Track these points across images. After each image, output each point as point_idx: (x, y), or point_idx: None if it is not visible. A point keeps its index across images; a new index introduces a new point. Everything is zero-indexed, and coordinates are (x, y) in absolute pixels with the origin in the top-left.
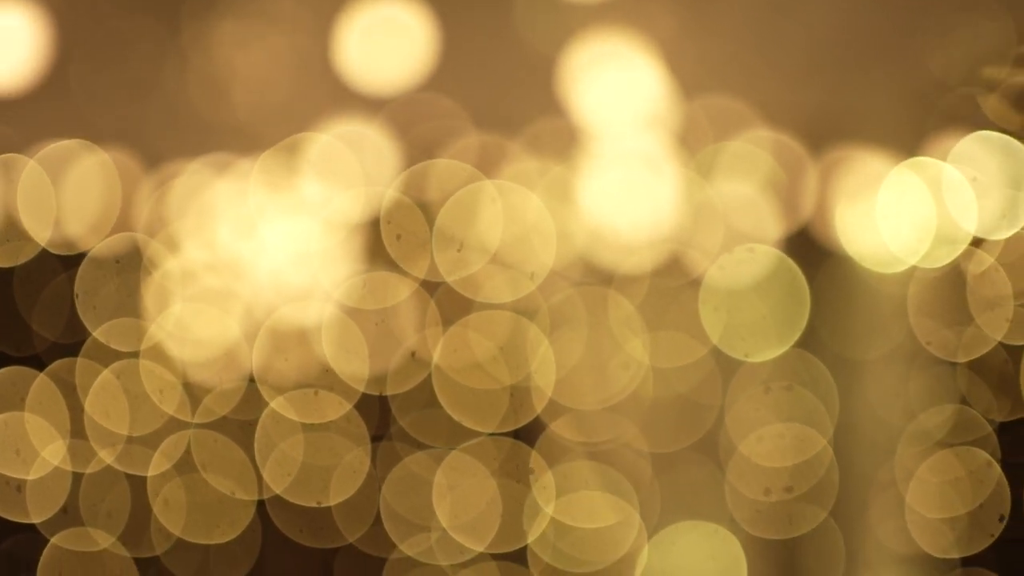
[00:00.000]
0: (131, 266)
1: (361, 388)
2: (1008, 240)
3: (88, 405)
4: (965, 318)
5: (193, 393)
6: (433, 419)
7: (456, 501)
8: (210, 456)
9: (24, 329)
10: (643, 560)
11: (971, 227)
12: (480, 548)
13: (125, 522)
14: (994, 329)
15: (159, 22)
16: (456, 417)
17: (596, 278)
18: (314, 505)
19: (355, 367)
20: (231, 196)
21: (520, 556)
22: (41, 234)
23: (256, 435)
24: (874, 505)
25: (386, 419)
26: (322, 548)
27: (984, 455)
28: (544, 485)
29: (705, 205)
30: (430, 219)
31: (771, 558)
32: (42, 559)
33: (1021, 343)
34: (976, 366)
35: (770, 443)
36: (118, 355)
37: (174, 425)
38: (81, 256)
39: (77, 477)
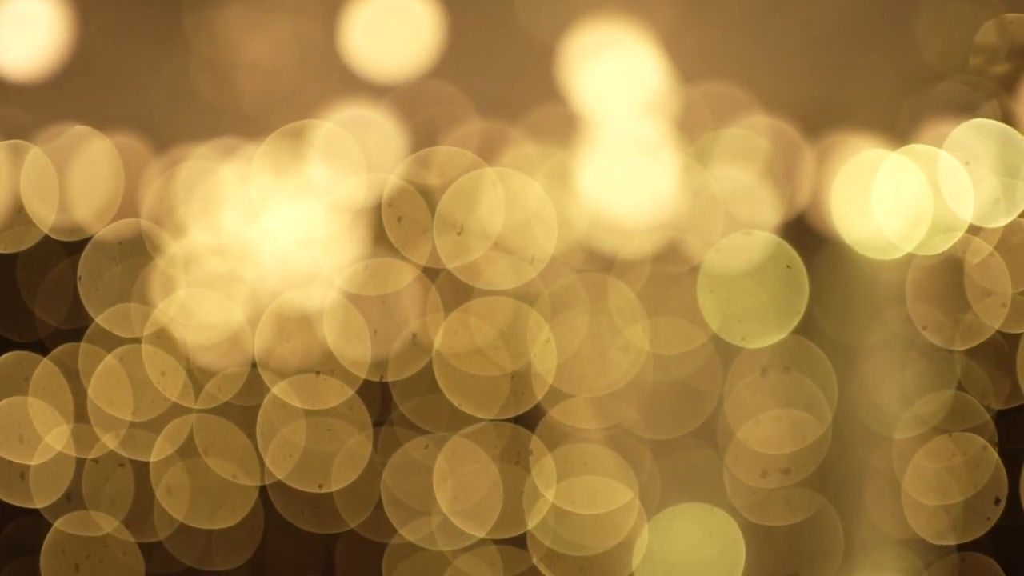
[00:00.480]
0: (135, 251)
1: (363, 375)
2: (1007, 228)
3: (91, 390)
4: (963, 306)
5: (196, 378)
6: (434, 405)
7: (457, 487)
8: (212, 441)
9: (27, 315)
10: (642, 543)
11: (967, 214)
12: (481, 534)
13: (128, 507)
14: (991, 317)
15: (167, 7)
16: (457, 403)
17: (597, 264)
18: (316, 489)
19: (357, 353)
20: (236, 181)
21: (520, 541)
22: (45, 220)
23: (258, 420)
24: (871, 491)
25: (387, 405)
26: (323, 533)
27: (980, 441)
28: (544, 470)
29: (704, 191)
30: (432, 205)
31: (770, 543)
32: (45, 543)
33: (1018, 331)
34: (973, 354)
35: (768, 427)
36: (121, 340)
37: (177, 410)
38: (85, 242)
39: (80, 462)
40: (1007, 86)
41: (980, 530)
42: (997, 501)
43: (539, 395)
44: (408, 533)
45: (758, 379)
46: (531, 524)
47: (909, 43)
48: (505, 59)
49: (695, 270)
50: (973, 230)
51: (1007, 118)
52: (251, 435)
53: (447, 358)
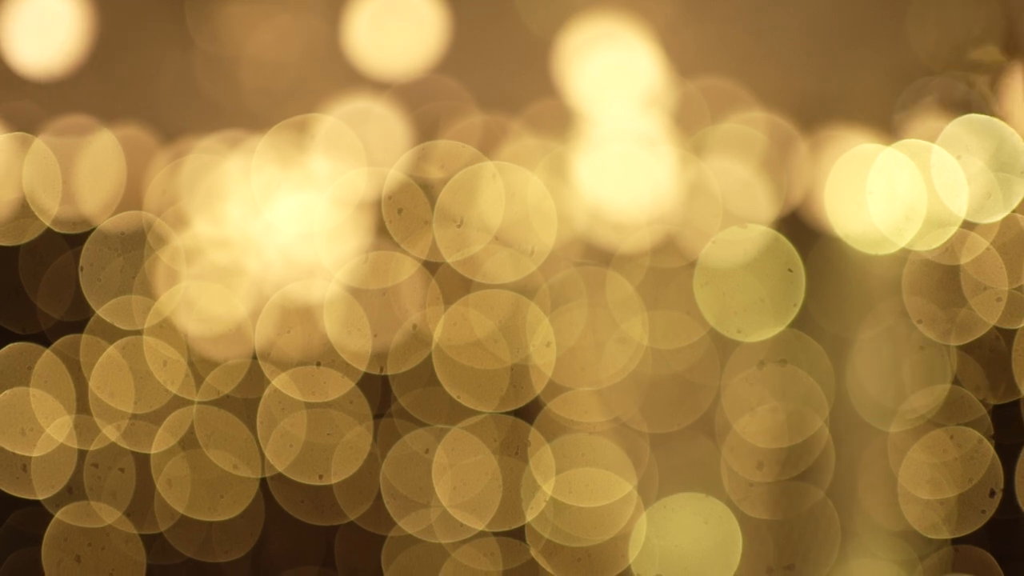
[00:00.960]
0: (137, 243)
1: (363, 368)
2: (1002, 223)
3: (92, 382)
4: (958, 300)
5: (197, 370)
6: (434, 398)
7: (456, 479)
8: (213, 433)
9: (29, 308)
10: (640, 534)
11: (961, 209)
12: (480, 526)
13: (130, 498)
14: (987, 312)
15: (173, 1)
16: (456, 396)
17: (595, 258)
18: (316, 479)
19: (357, 345)
20: (239, 174)
21: (519, 533)
22: (48, 212)
23: (258, 413)
24: (867, 484)
25: (387, 397)
26: (323, 526)
27: (976, 434)
28: (542, 462)
29: (701, 185)
30: (432, 198)
31: (766, 535)
32: (47, 534)
33: (1014, 327)
34: (969, 349)
35: (764, 418)
36: (122, 332)
37: (178, 402)
38: (87, 234)
39: (82, 454)
40: (1000, 81)
41: (975, 523)
42: (992, 493)
43: (538, 388)
44: (407, 525)
45: (755, 372)
46: (530, 517)
47: (903, 39)
48: (505, 54)
49: (693, 264)
50: (968, 225)
51: (1000, 113)
52: (252, 427)
53: (447, 351)
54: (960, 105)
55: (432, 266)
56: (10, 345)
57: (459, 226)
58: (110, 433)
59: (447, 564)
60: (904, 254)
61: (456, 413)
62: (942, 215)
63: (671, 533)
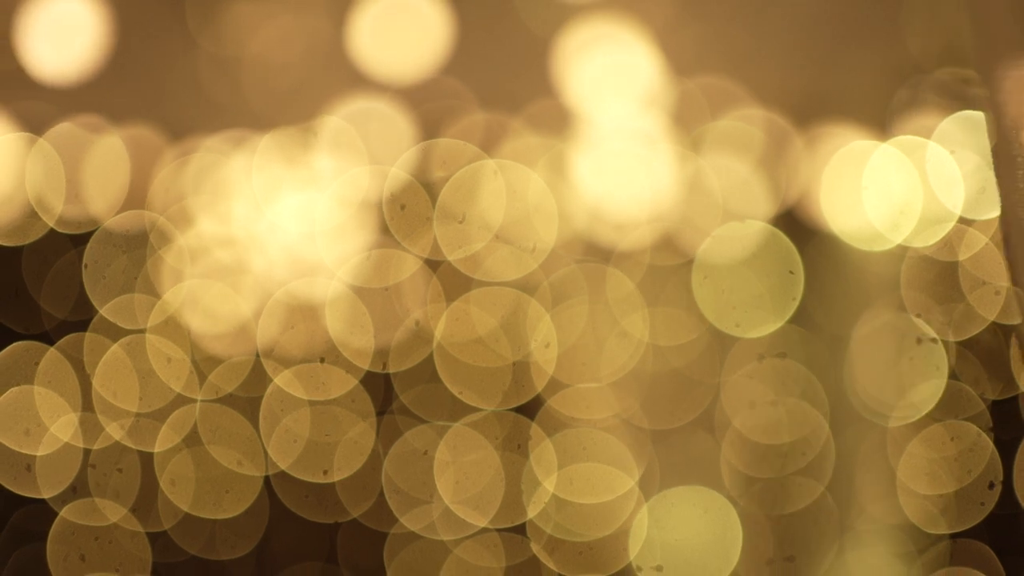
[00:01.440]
0: (140, 241)
1: (366, 365)
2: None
3: (96, 381)
4: (956, 296)
5: (201, 368)
6: (436, 394)
7: (458, 476)
8: (217, 430)
9: (32, 307)
10: (641, 529)
11: (955, 205)
12: (482, 522)
13: (135, 496)
14: (985, 307)
15: (179, 2)
16: (458, 393)
17: (596, 255)
18: (320, 474)
19: (360, 343)
20: (243, 173)
21: (521, 529)
22: (51, 212)
23: (262, 410)
24: (866, 478)
25: (389, 394)
26: (326, 523)
27: (975, 429)
28: (543, 458)
29: (699, 182)
30: (433, 196)
31: (766, 528)
32: (52, 532)
33: (1012, 322)
34: (968, 344)
35: (764, 412)
36: (126, 331)
37: (181, 400)
38: (91, 234)
39: (86, 453)
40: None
41: (974, 517)
42: (991, 486)
43: (539, 385)
44: (410, 522)
45: (754, 368)
46: (532, 513)
47: (898, 36)
48: (505, 54)
49: (692, 261)
50: (964, 221)
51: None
52: (255, 424)
53: (448, 348)
54: (955, 101)
55: (434, 264)
56: (14, 344)
57: (461, 222)
58: (114, 431)
59: (449, 560)
60: (901, 250)
61: (458, 410)
62: (937, 211)
63: (672, 525)
